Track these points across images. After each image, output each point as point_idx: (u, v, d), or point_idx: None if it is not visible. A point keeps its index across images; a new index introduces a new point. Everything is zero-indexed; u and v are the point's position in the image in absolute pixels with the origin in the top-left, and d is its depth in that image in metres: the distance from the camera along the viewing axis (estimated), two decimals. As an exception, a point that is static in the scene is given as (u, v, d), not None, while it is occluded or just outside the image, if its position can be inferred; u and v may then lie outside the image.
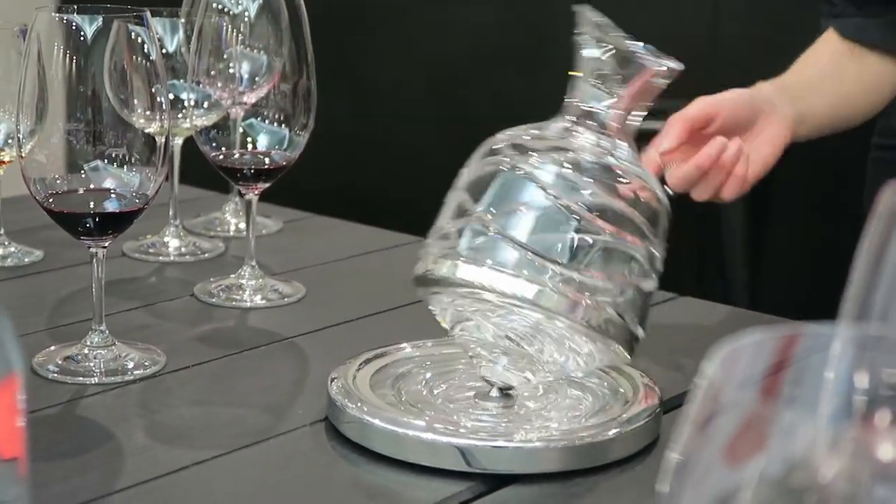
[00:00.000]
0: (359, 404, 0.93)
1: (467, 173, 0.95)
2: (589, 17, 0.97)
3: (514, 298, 0.89)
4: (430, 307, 0.96)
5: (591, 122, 0.96)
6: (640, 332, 0.93)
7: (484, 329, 0.93)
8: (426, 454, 0.89)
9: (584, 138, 0.95)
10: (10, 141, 1.30)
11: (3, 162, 1.32)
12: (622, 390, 0.98)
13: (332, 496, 0.89)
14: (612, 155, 0.94)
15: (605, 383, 1.00)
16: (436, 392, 0.99)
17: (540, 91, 3.20)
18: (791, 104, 1.33)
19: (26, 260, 1.37)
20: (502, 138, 0.96)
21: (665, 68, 0.97)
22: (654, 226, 0.94)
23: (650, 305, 0.95)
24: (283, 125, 1.25)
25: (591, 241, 0.90)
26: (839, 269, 0.47)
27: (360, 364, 1.01)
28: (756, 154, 1.28)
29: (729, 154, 1.21)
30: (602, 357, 0.93)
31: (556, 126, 0.97)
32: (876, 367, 0.40)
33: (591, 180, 0.91)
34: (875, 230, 0.45)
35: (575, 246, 0.89)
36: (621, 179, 0.92)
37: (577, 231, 0.89)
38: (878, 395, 0.40)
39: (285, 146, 1.25)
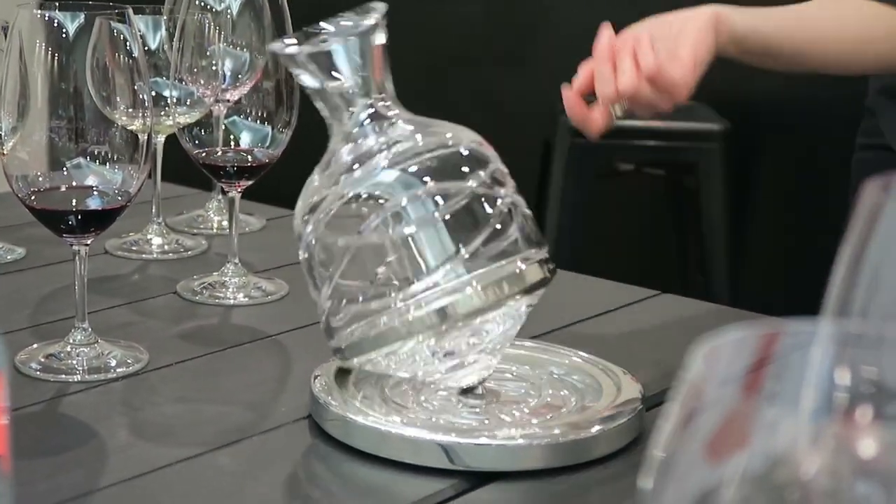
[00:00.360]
0: (342, 402, 0.93)
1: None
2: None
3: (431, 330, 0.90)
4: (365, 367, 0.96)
5: (368, 126, 0.95)
6: (542, 240, 0.94)
7: (425, 360, 0.93)
8: (409, 451, 0.89)
9: (369, 143, 0.94)
10: (-9, 138, 1.30)
11: (-15, 159, 1.32)
12: (605, 387, 0.98)
13: (315, 493, 0.89)
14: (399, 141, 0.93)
15: (588, 380, 1.00)
16: (419, 390, 0.99)
17: (523, 88, 3.21)
18: (740, 12, 1.28)
19: (9, 258, 1.36)
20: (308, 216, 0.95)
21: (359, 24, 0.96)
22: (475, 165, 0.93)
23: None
24: (265, 122, 1.25)
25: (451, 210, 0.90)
26: (821, 265, 0.47)
27: (344, 361, 1.01)
28: (674, 50, 1.22)
29: (623, 42, 1.19)
30: (529, 299, 0.93)
31: (343, 161, 0.95)
32: (857, 364, 0.40)
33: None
34: (856, 227, 0.45)
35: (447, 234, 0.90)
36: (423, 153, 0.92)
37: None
38: (859, 391, 0.41)
39: (268, 143, 1.25)
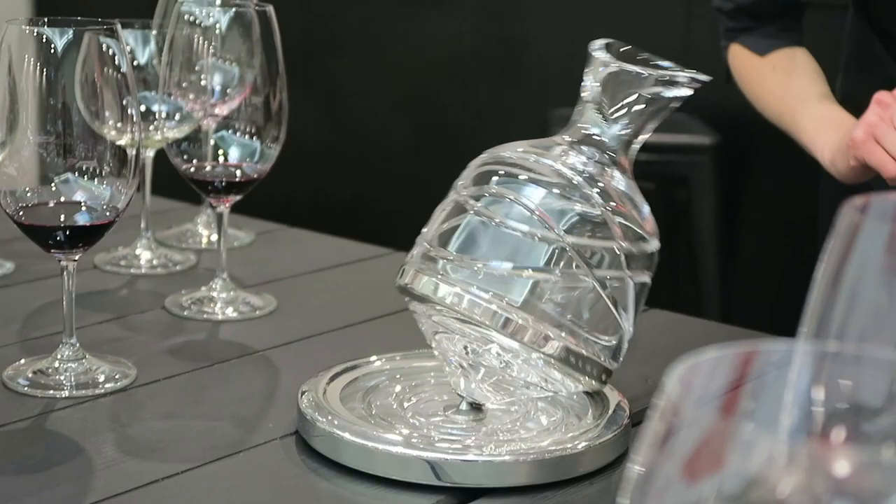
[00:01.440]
0: (329, 418, 0.93)
1: (465, 181, 0.95)
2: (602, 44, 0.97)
3: (486, 326, 0.89)
4: (414, 314, 0.97)
5: (590, 147, 0.96)
6: (612, 365, 0.93)
7: (460, 346, 0.94)
8: (396, 468, 0.89)
9: (578, 160, 0.95)
10: (-20, 153, 1.30)
11: (-26, 174, 1.32)
12: (591, 403, 0.98)
13: (301, 509, 0.89)
14: (604, 182, 0.94)
15: (575, 397, 1.00)
16: (406, 405, 0.99)
17: (513, 101, 3.22)
18: None
19: (-3, 272, 1.37)
20: (505, 156, 0.96)
21: (687, 87, 0.96)
22: (638, 258, 0.94)
23: (626, 341, 0.95)
24: (254, 137, 1.25)
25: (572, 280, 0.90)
26: (811, 278, 0.47)
27: (331, 377, 1.01)
28: None
29: None
30: (573, 385, 0.94)
31: (555, 148, 0.96)
32: (833, 384, 0.40)
33: (576, 210, 0.91)
34: (833, 247, 0.45)
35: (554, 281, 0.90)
36: (611, 204, 0.93)
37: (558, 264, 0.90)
38: (836, 411, 0.41)
39: (257, 158, 1.25)
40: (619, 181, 0.95)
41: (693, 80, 0.95)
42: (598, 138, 0.96)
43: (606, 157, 0.95)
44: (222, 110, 1.26)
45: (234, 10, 1.26)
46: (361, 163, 3.42)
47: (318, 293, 1.35)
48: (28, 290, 1.32)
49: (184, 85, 1.26)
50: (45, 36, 1.01)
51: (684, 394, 0.37)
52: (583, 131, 0.97)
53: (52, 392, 1.04)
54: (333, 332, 1.22)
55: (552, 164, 0.93)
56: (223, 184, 1.24)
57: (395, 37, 3.39)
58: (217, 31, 1.25)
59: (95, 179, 1.02)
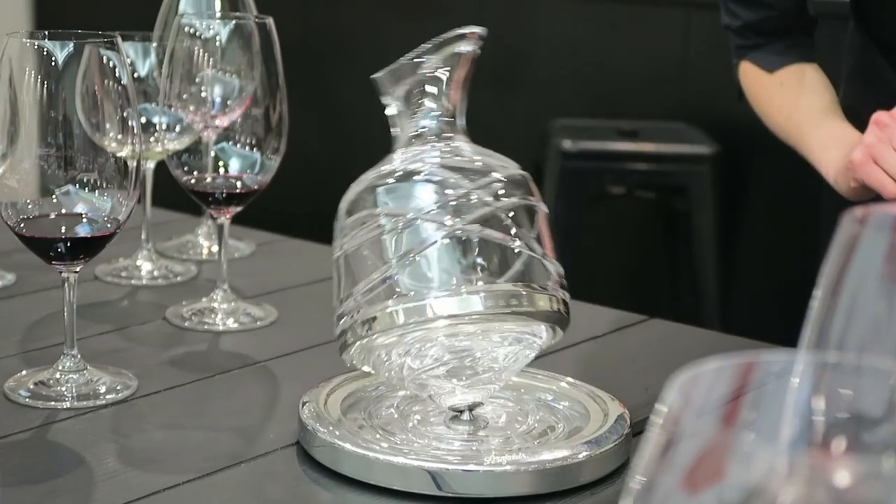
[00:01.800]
0: (330, 428, 0.94)
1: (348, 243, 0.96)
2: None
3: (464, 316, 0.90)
4: (353, 362, 0.97)
5: (428, 139, 0.97)
6: (560, 293, 0.94)
7: (426, 363, 0.94)
8: (397, 478, 0.89)
9: (429, 155, 0.95)
10: (-19, 165, 1.30)
11: (-25, 186, 1.32)
12: (592, 413, 0.98)
13: (303, 520, 0.89)
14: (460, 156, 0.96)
15: (576, 406, 1.00)
16: (407, 416, 0.99)
17: (513, 111, 3.22)
18: None
19: (-2, 284, 1.37)
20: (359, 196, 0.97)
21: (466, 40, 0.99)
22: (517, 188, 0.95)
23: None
24: (254, 149, 1.26)
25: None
26: (811, 288, 0.47)
27: (332, 388, 1.01)
28: None
29: None
30: (539, 332, 0.94)
31: (398, 159, 0.98)
32: (833, 394, 0.41)
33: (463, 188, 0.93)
34: (833, 258, 0.46)
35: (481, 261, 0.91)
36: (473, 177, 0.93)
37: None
38: (836, 421, 0.41)
39: (257, 170, 1.25)
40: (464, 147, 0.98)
41: (459, 36, 0.98)
42: (424, 131, 0.98)
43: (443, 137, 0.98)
44: (222, 122, 1.26)
45: (233, 22, 1.26)
46: (361, 173, 3.42)
47: (319, 304, 1.35)
48: (29, 301, 1.32)
49: (184, 97, 1.26)
50: (45, 49, 1.01)
51: (684, 404, 0.37)
52: (409, 135, 0.97)
53: (53, 403, 1.04)
54: (334, 342, 1.21)
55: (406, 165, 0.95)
56: (224, 195, 1.24)
57: (395, 47, 3.40)
58: (217, 44, 1.25)
59: (96, 191, 1.02)
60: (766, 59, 1.56)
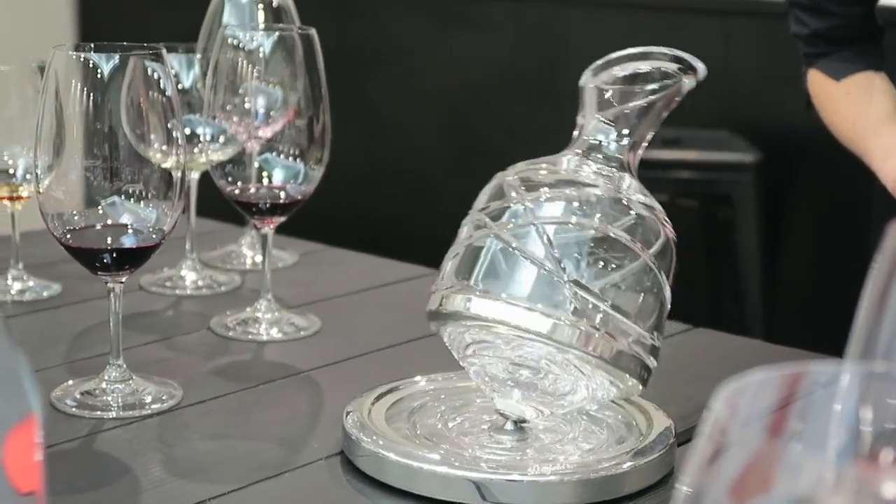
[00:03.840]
0: (374, 438, 0.94)
1: (483, 201, 0.96)
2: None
3: (528, 332, 0.89)
4: (444, 339, 0.97)
5: (597, 156, 0.97)
6: (651, 362, 0.93)
7: (495, 362, 0.94)
8: (441, 488, 0.89)
9: (590, 171, 0.95)
10: (28, 177, 1.32)
11: (22, 197, 1.33)
12: (636, 423, 0.98)
13: (347, 530, 0.89)
14: (619, 189, 0.94)
15: (620, 416, 1.00)
16: (450, 425, 0.99)
17: (551, 120, 3.21)
18: None
19: (45, 294, 1.38)
20: (513, 175, 0.96)
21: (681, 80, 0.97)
22: (662, 257, 0.94)
23: (661, 339, 0.95)
24: (298, 159, 1.26)
25: (602, 267, 0.91)
26: (856, 296, 0.47)
27: (376, 397, 1.01)
28: None
29: None
30: (614, 389, 0.93)
31: (566, 160, 0.97)
32: (881, 405, 0.40)
33: (599, 215, 0.92)
34: (880, 268, 0.45)
35: (588, 274, 0.90)
36: (630, 212, 0.93)
37: (589, 261, 0.90)
38: (883, 432, 0.41)
39: (300, 180, 1.26)
40: (633, 186, 0.96)
41: (681, 70, 0.96)
42: (604, 146, 0.97)
43: (614, 163, 0.96)
44: (266, 133, 1.27)
45: (277, 33, 1.27)
46: (400, 183, 3.43)
47: (362, 313, 1.36)
48: (75, 311, 1.33)
49: (228, 108, 1.27)
50: (91, 61, 1.02)
51: (731, 415, 0.37)
52: (590, 142, 0.97)
53: (99, 413, 1.05)
54: (377, 352, 1.22)
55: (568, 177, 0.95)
56: (267, 205, 1.25)
57: (432, 58, 3.40)
58: (261, 55, 1.26)
59: (141, 202, 1.03)
60: (834, 67, 1.55)
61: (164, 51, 1.04)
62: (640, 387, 0.93)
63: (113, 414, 1.05)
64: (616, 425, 0.99)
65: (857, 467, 0.34)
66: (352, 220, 3.36)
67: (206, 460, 0.98)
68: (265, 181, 1.27)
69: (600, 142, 0.97)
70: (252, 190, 1.28)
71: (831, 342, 0.82)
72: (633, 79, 0.98)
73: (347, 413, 0.98)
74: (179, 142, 1.04)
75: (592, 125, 0.98)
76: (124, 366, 1.09)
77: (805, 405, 0.39)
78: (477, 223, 0.94)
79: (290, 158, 1.27)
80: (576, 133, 0.99)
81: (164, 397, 1.08)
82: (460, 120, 3.32)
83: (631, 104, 0.97)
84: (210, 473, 0.95)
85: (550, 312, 0.89)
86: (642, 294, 0.92)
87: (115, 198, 1.03)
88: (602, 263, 0.90)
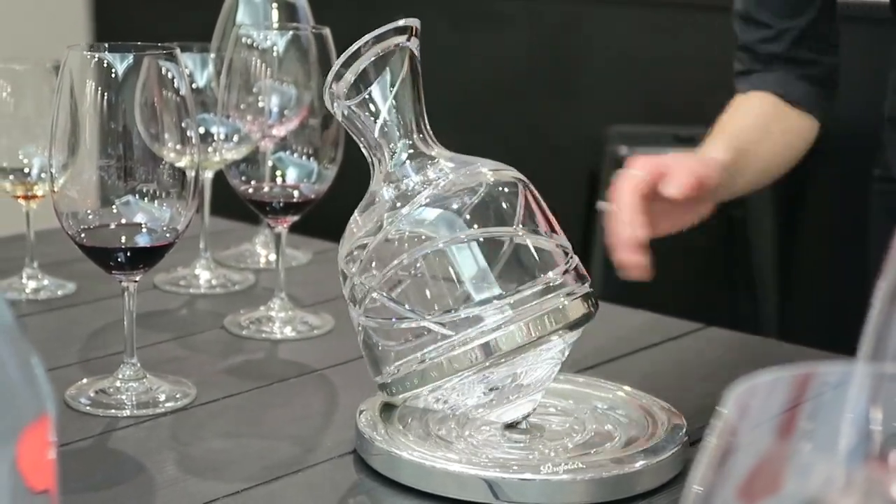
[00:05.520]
0: (387, 436, 0.94)
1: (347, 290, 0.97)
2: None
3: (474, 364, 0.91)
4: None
5: (409, 166, 0.96)
6: (580, 287, 0.94)
7: (467, 394, 0.94)
8: (454, 486, 0.89)
9: (411, 182, 0.95)
10: (42, 176, 1.32)
11: (36, 196, 1.34)
12: (649, 422, 0.98)
13: (360, 528, 0.89)
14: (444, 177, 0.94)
15: (632, 415, 1.00)
16: (463, 424, 0.99)
17: (568, 119, 3.22)
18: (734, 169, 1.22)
19: (59, 293, 1.38)
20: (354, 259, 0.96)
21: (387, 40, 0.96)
22: (484, 210, 0.93)
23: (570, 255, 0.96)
24: (311, 158, 1.27)
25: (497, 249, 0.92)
26: (870, 294, 0.47)
27: (389, 396, 1.01)
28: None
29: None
30: (567, 335, 0.94)
31: (384, 201, 0.96)
32: (891, 405, 0.40)
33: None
34: (891, 269, 0.45)
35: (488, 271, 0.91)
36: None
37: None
38: (894, 433, 0.41)
39: (314, 179, 1.26)
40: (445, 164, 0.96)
41: (380, 36, 0.96)
42: (396, 160, 0.96)
43: (416, 160, 0.96)
44: (280, 132, 1.27)
45: (291, 33, 1.27)
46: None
47: (375, 312, 1.36)
48: (89, 310, 1.34)
49: (242, 107, 1.27)
50: (105, 61, 1.02)
51: (742, 415, 0.37)
52: (387, 170, 0.97)
53: (113, 411, 1.05)
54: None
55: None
56: (281, 204, 1.25)
57: (447, 56, 3.40)
58: (274, 54, 1.26)
59: (155, 201, 1.03)
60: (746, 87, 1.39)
61: (178, 50, 1.04)
62: (593, 310, 0.94)
63: (127, 412, 1.05)
64: (628, 424, 0.99)
65: (867, 468, 0.34)
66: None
67: (219, 459, 0.98)
68: (279, 180, 1.28)
69: (380, 159, 0.97)
70: (266, 189, 1.28)
71: (847, 341, 0.82)
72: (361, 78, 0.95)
73: (361, 412, 0.98)
74: (193, 141, 1.05)
75: (367, 153, 0.97)
76: (138, 364, 1.09)
77: (815, 406, 0.39)
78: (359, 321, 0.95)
79: (304, 157, 1.27)
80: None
81: (177, 396, 1.08)
82: (476, 118, 3.32)
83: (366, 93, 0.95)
84: (223, 472, 0.95)
85: (475, 336, 0.90)
86: (514, 258, 0.92)
87: (130, 197, 1.03)
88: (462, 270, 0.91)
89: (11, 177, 1.33)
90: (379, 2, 3.56)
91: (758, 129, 1.32)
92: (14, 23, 3.64)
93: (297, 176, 1.27)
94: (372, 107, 0.95)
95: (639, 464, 0.91)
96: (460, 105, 3.37)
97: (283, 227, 1.26)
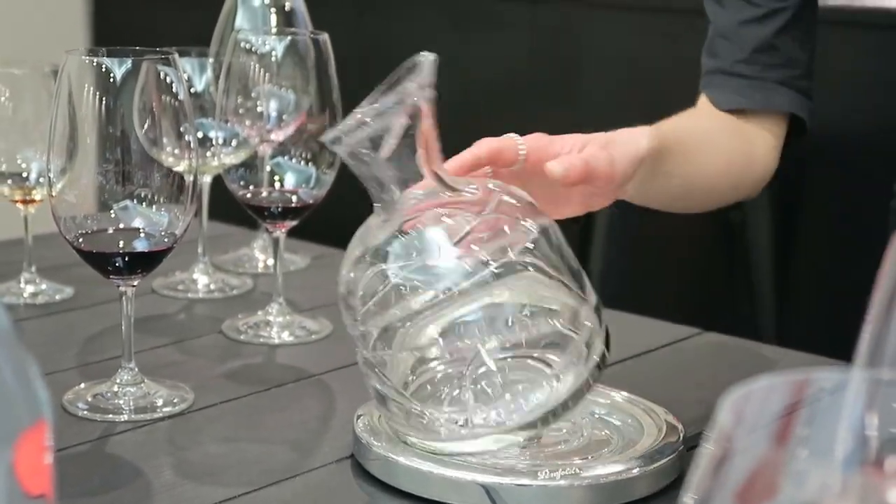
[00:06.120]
0: (384, 442, 0.94)
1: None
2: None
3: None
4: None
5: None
6: (595, 323, 0.95)
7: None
8: (451, 492, 0.89)
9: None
10: (41, 180, 1.32)
11: (34, 201, 1.34)
12: (646, 427, 0.98)
13: (357, 533, 0.89)
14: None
15: (629, 421, 1.00)
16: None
17: (568, 124, 3.21)
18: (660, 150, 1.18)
19: (57, 297, 1.38)
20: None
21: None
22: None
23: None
24: (310, 163, 1.27)
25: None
26: (868, 299, 0.47)
27: (386, 401, 1.01)
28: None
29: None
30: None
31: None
32: (887, 411, 0.40)
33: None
34: (888, 277, 0.45)
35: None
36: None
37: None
38: (890, 439, 0.41)
39: (312, 184, 1.26)
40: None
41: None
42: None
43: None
44: (278, 136, 1.27)
45: (289, 38, 1.27)
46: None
47: (373, 317, 1.36)
48: (87, 315, 1.34)
49: (240, 112, 1.27)
50: (104, 65, 1.02)
51: (737, 421, 0.37)
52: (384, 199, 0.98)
53: (111, 416, 1.05)
54: (388, 356, 1.22)
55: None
56: (279, 209, 1.25)
57: (446, 59, 3.40)
58: (273, 59, 1.26)
59: (153, 206, 1.03)
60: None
61: (176, 55, 1.04)
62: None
63: (124, 417, 1.05)
64: (626, 430, 0.99)
65: (863, 474, 0.34)
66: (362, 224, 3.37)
67: (217, 463, 0.98)
68: (277, 185, 1.28)
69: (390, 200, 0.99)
70: (264, 194, 1.28)
71: (845, 346, 0.82)
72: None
73: (358, 417, 0.98)
74: (192, 145, 1.05)
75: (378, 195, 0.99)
76: (136, 369, 1.09)
77: (812, 412, 0.39)
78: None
79: (302, 162, 1.27)
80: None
81: (175, 400, 1.08)
82: (475, 121, 3.31)
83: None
84: (221, 477, 0.95)
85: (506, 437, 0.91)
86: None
87: (128, 201, 1.03)
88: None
89: (10, 181, 1.33)
90: (378, 5, 3.56)
91: (704, 135, 1.27)
92: (12, 26, 3.64)
93: (295, 181, 1.27)
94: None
95: (636, 470, 0.91)
96: (460, 106, 3.37)
97: (281, 231, 1.26)
